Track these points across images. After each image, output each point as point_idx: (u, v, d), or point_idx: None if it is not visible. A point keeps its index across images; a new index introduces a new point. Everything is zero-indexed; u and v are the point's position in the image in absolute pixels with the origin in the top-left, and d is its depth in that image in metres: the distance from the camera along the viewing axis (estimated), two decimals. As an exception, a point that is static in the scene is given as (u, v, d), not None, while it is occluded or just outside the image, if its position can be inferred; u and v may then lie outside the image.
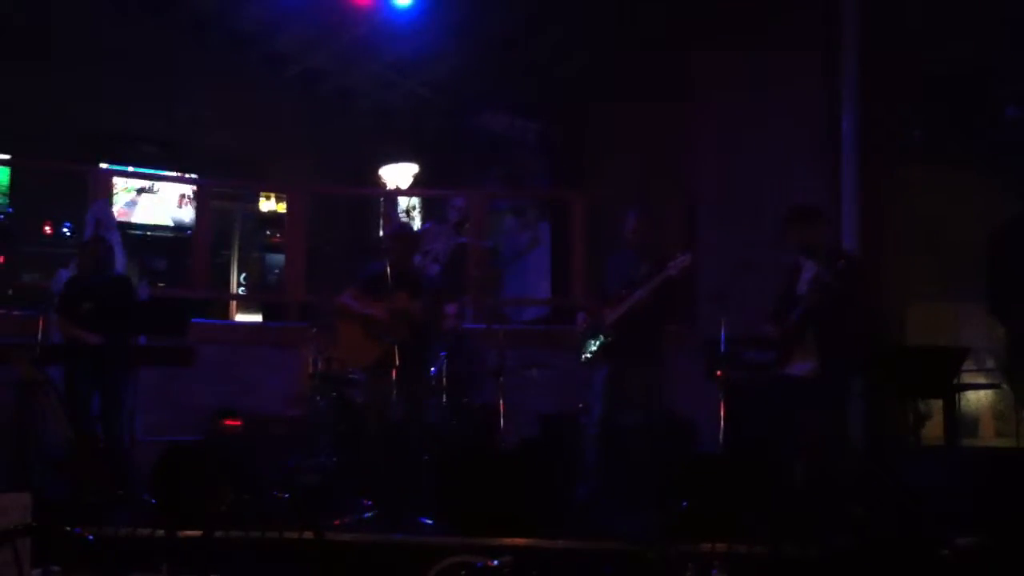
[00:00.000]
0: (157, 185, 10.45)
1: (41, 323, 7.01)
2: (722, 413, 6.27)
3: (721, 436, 6.28)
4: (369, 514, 5.86)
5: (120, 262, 7.60)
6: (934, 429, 5.89)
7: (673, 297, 6.33)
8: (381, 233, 10.01)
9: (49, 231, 9.91)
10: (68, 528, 4.09)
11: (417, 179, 10.55)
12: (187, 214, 10.41)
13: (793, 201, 6.32)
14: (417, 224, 10.69)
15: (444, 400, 6.82)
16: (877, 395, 6.52)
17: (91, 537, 4.04)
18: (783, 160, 7.98)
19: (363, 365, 6.43)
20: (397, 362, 6.06)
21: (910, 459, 5.62)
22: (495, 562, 4.11)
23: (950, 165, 7.58)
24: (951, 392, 5.72)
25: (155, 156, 10.40)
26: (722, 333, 6.32)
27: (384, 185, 10.31)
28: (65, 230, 9.81)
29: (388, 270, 6.22)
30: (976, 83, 7.55)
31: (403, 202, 10.95)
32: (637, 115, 9.20)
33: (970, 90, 7.55)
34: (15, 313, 7.77)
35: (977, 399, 7.17)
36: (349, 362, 6.68)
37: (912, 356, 5.97)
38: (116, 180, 9.76)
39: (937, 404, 5.88)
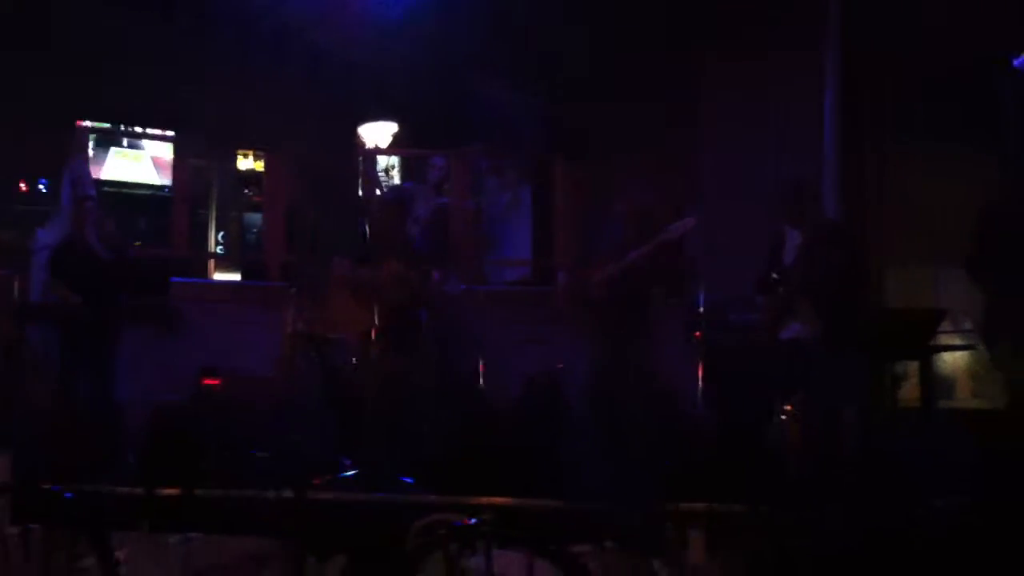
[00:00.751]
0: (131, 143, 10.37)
1: (17, 282, 6.97)
2: (700, 375, 6.32)
3: (699, 397, 6.34)
4: (349, 473, 5.88)
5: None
6: (910, 391, 5.95)
7: (667, 261, 6.32)
8: (360, 193, 9.95)
9: (24, 188, 9.81)
10: (47, 486, 4.10)
11: (397, 139, 10.48)
12: (164, 175, 10.34)
13: (781, 174, 6.40)
14: (406, 183, 10.64)
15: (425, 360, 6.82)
16: (854, 357, 6.56)
17: (69, 495, 4.04)
18: (777, 133, 8.02)
19: (357, 331, 6.42)
20: (391, 328, 6.08)
21: (887, 421, 5.69)
22: (473, 520, 4.12)
23: (930, 140, 7.64)
24: (927, 353, 5.77)
25: (132, 115, 10.29)
26: (700, 295, 6.35)
27: (363, 144, 10.23)
28: (41, 187, 9.71)
29: (372, 239, 6.24)
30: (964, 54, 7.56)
31: (382, 162, 10.88)
32: (632, 87, 9.13)
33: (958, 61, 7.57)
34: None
35: (953, 360, 7.23)
36: (341, 328, 6.66)
37: (888, 318, 6.04)
38: (92, 137, 9.68)
39: (913, 366, 5.93)
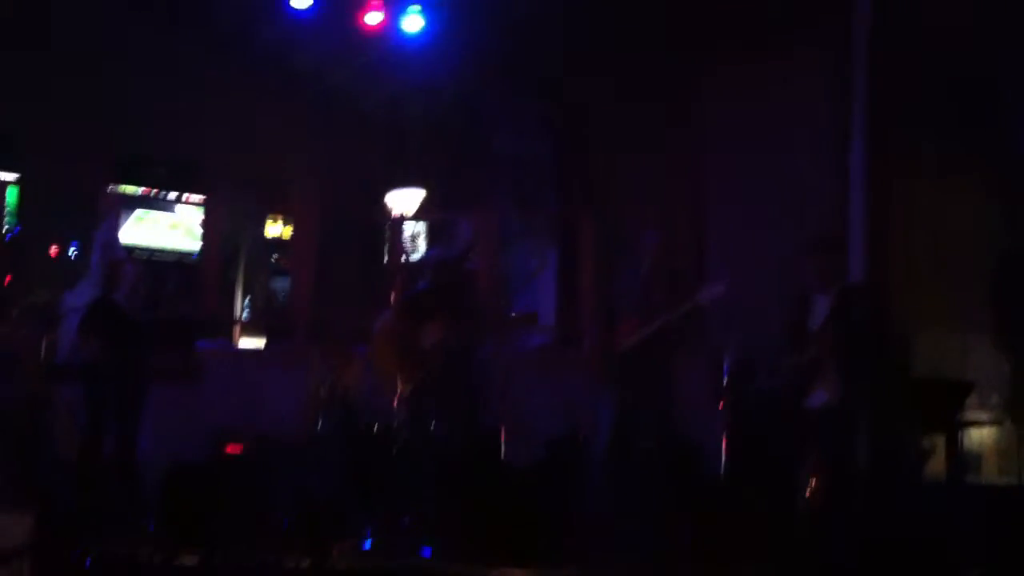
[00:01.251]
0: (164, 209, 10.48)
1: (46, 341, 7.03)
2: (724, 442, 6.26)
3: (724, 462, 6.27)
4: (369, 541, 5.84)
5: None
6: (937, 464, 5.86)
7: (696, 325, 6.26)
8: (386, 260, 10.02)
9: (56, 251, 9.93)
10: (67, 551, 4.10)
11: (424, 205, 10.54)
12: (194, 240, 10.45)
13: (805, 219, 6.28)
14: (422, 250, 10.68)
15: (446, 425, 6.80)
16: (883, 428, 6.49)
17: (88, 561, 4.05)
18: (795, 180, 7.95)
19: (400, 390, 6.44)
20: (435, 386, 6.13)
21: (914, 494, 5.60)
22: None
23: (964, 185, 7.49)
24: (955, 428, 5.69)
25: (165, 178, 10.43)
26: (726, 362, 6.30)
27: (390, 212, 10.30)
28: (72, 250, 9.83)
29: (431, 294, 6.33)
30: (992, 93, 7.45)
31: (409, 228, 10.93)
32: (645, 130, 9.15)
33: (986, 101, 7.46)
34: (21, 332, 7.77)
35: (980, 436, 7.08)
36: (384, 387, 6.66)
37: (916, 389, 5.95)
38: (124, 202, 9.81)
39: (940, 440, 5.85)
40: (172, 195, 10.32)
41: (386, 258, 10.00)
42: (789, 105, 8.06)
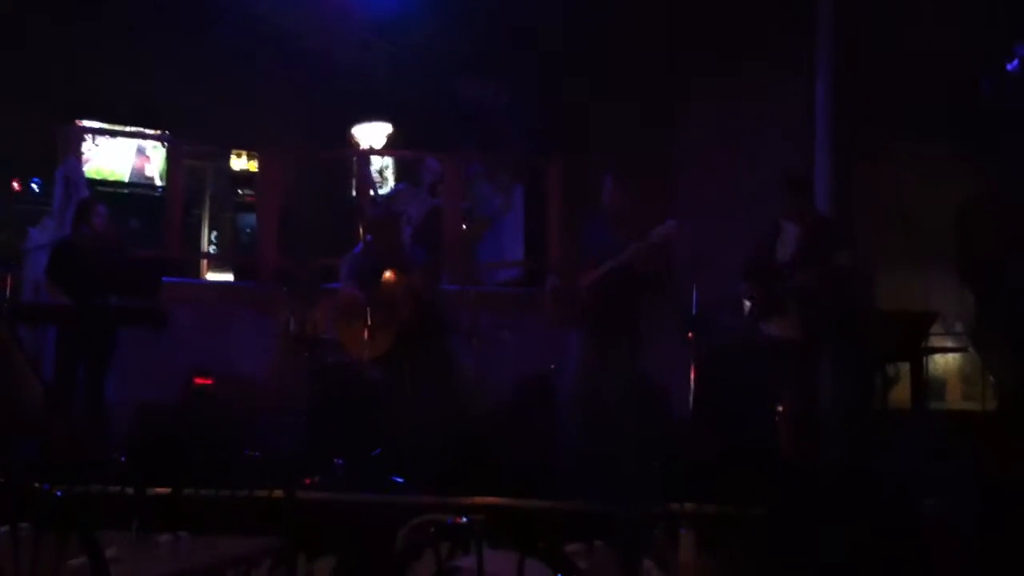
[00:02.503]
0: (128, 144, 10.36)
1: (9, 281, 6.96)
2: (692, 376, 6.33)
3: (692, 400, 6.35)
4: (341, 473, 5.88)
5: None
6: (901, 392, 5.97)
7: (653, 265, 6.31)
8: (354, 193, 9.96)
9: (18, 188, 9.80)
10: (36, 485, 4.07)
11: (391, 140, 10.49)
12: (152, 168, 10.33)
13: (770, 175, 6.40)
14: (390, 185, 10.64)
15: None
16: (846, 359, 6.58)
17: (59, 493, 4.02)
18: (761, 136, 8.02)
19: (378, 354, 6.42)
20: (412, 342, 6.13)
21: (878, 422, 5.70)
22: (464, 519, 4.11)
23: (925, 141, 7.64)
24: (919, 356, 5.79)
25: (127, 116, 10.29)
26: (694, 295, 6.35)
27: (357, 145, 10.24)
28: (34, 186, 9.71)
29: (375, 256, 6.30)
30: (952, 59, 7.58)
31: (376, 163, 10.88)
32: (618, 84, 9.14)
33: (945, 66, 7.58)
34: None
35: (945, 363, 7.23)
36: (363, 355, 6.64)
37: (882, 320, 6.05)
38: (87, 138, 9.68)
39: (905, 368, 5.94)
40: (135, 129, 10.19)
41: (353, 192, 9.94)
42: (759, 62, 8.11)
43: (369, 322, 6.20)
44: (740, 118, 8.22)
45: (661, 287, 6.50)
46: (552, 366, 6.88)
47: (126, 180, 10.42)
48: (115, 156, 10.43)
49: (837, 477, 5.34)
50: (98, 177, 10.12)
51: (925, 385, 5.97)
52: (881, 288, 7.77)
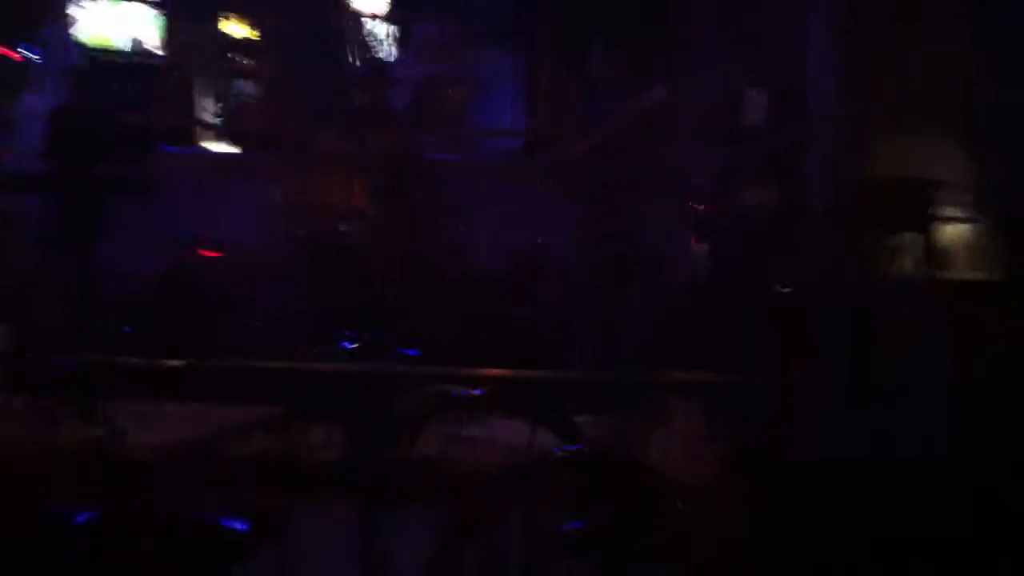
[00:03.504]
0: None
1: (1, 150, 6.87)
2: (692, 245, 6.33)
3: (693, 268, 6.35)
4: (350, 344, 5.88)
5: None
6: (908, 262, 5.96)
7: (646, 131, 6.24)
8: (350, 59, 9.76)
9: (3, 51, 9.56)
10: (48, 358, 4.09)
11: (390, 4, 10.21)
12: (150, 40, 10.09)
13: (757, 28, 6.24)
14: (392, 51, 10.42)
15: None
16: (851, 227, 6.56)
17: (73, 364, 4.04)
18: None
19: (348, 206, 6.38)
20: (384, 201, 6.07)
21: (883, 290, 5.69)
22: (477, 391, 4.15)
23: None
24: (926, 225, 5.77)
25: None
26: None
27: (349, 7, 9.99)
28: (21, 51, 9.47)
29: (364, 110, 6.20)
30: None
31: (378, 28, 10.62)
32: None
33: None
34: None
35: (953, 232, 7.18)
36: (333, 203, 6.59)
37: (888, 188, 6.01)
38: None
39: (912, 237, 5.93)
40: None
41: (351, 59, 9.74)
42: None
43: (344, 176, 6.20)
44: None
45: (657, 159, 6.46)
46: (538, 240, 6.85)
47: (120, 48, 10.17)
48: (109, 22, 10.16)
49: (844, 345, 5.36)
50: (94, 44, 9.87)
51: (934, 255, 5.96)
52: (884, 155, 7.66)
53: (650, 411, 4.69)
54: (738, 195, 6.13)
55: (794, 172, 5.78)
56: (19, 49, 9.48)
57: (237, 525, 3.47)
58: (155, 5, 9.67)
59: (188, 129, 10.06)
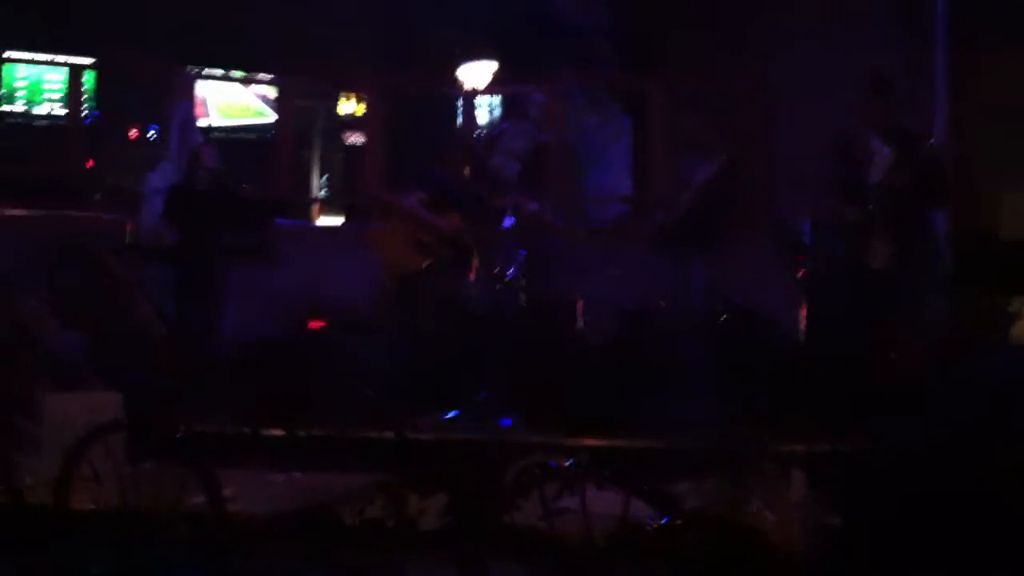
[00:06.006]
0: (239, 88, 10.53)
1: (129, 226, 7.16)
2: (803, 307, 6.21)
3: (801, 331, 6.23)
4: (451, 414, 5.94)
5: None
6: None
7: (720, 195, 6.26)
8: (461, 134, 9.94)
9: (135, 134, 10.05)
10: (158, 426, 4.24)
11: (496, 77, 10.40)
12: (268, 119, 10.48)
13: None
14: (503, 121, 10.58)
15: (523, 298, 6.83)
16: (963, 289, 6.37)
17: (181, 434, 4.18)
18: (864, 42, 7.66)
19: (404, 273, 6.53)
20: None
21: (996, 358, 5.50)
22: (569, 462, 4.15)
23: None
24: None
25: (235, 56, 10.42)
26: (806, 225, 6.21)
27: (462, 85, 10.19)
28: (151, 133, 9.94)
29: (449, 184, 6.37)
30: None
31: (484, 101, 10.82)
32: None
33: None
34: (105, 217, 7.92)
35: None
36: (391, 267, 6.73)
37: (1001, 249, 5.83)
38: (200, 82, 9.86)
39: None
40: (245, 74, 10.33)
41: (460, 132, 9.92)
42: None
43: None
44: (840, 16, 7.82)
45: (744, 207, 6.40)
46: (661, 303, 6.83)
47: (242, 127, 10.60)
48: (230, 104, 10.61)
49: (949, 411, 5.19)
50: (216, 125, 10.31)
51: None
52: (1005, 211, 7.41)
53: (755, 481, 4.62)
54: (849, 250, 5.99)
55: (906, 228, 5.62)
56: (150, 130, 9.99)
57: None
58: (275, 83, 10.03)
59: (306, 205, 10.40)
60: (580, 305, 6.80)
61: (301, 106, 10.41)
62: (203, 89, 10.15)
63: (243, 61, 10.38)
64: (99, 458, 4.28)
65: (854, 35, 7.66)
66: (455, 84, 10.00)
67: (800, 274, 6.17)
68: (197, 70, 9.91)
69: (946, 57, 7.48)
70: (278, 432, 5.08)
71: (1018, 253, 5.93)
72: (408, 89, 9.62)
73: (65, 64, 9.59)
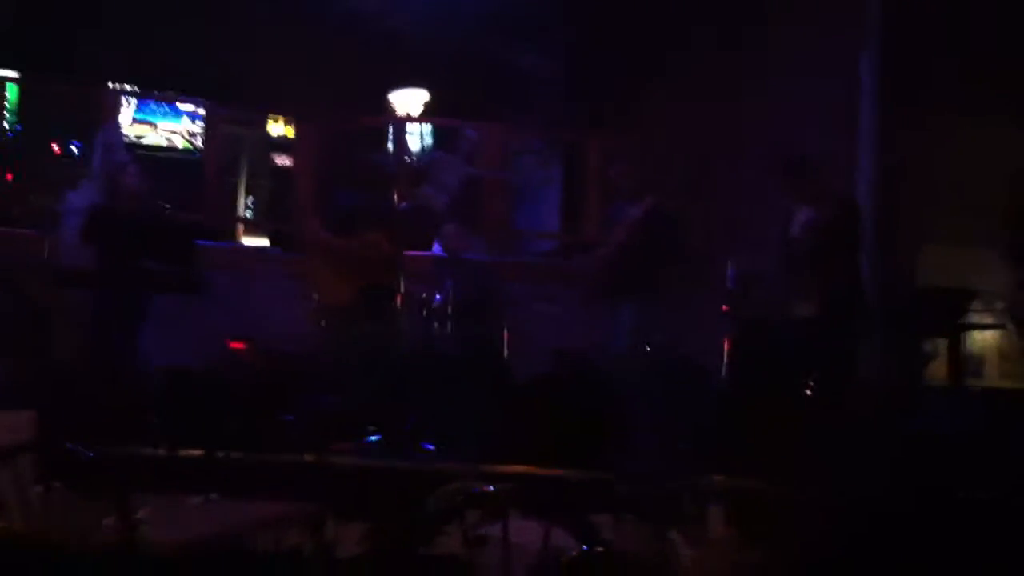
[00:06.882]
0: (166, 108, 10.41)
1: (47, 245, 7.00)
2: (727, 349, 6.30)
3: (725, 372, 6.31)
4: (372, 439, 5.89)
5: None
6: (940, 369, 5.90)
7: (652, 238, 6.38)
8: (390, 161, 9.93)
9: (57, 151, 9.85)
10: (69, 445, 4.11)
11: (427, 107, 10.43)
12: (195, 140, 10.36)
13: (809, 148, 6.38)
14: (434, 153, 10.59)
15: (449, 329, 6.81)
16: (887, 336, 6.52)
17: (91, 454, 4.05)
18: (802, 106, 7.86)
19: (340, 303, 6.48)
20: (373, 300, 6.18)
21: (918, 400, 5.63)
22: (491, 488, 4.12)
23: (971, 112, 7.45)
24: (956, 332, 5.72)
25: (161, 79, 10.31)
26: (729, 270, 6.32)
27: (393, 111, 10.20)
28: (73, 150, 9.75)
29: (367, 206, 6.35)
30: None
31: (414, 130, 10.83)
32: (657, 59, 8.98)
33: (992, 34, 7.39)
34: (21, 233, 7.75)
35: (983, 340, 7.11)
36: (325, 299, 6.69)
37: (919, 297, 5.99)
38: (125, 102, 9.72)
39: (943, 344, 5.88)
40: (173, 94, 10.22)
41: (390, 159, 9.91)
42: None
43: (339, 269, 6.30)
44: (786, 87, 8.03)
45: (666, 260, 6.53)
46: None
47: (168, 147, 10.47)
48: (156, 124, 10.49)
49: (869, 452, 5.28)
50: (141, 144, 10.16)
51: (963, 362, 5.90)
52: (922, 264, 7.62)
53: (674, 515, 4.63)
54: (771, 297, 6.16)
55: (827, 275, 5.78)
56: (71, 147, 9.79)
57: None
58: (201, 105, 9.93)
59: (231, 225, 10.26)
60: (506, 336, 6.82)
61: (228, 131, 10.30)
62: (129, 108, 10.02)
63: (171, 82, 10.29)
64: (7, 480, 4.15)
65: (784, 87, 7.85)
66: (386, 111, 10.01)
67: (728, 319, 6.28)
68: (124, 88, 9.79)
69: (874, 111, 7.69)
70: (195, 453, 4.98)
71: (936, 300, 6.09)
72: (337, 116, 9.58)
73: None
